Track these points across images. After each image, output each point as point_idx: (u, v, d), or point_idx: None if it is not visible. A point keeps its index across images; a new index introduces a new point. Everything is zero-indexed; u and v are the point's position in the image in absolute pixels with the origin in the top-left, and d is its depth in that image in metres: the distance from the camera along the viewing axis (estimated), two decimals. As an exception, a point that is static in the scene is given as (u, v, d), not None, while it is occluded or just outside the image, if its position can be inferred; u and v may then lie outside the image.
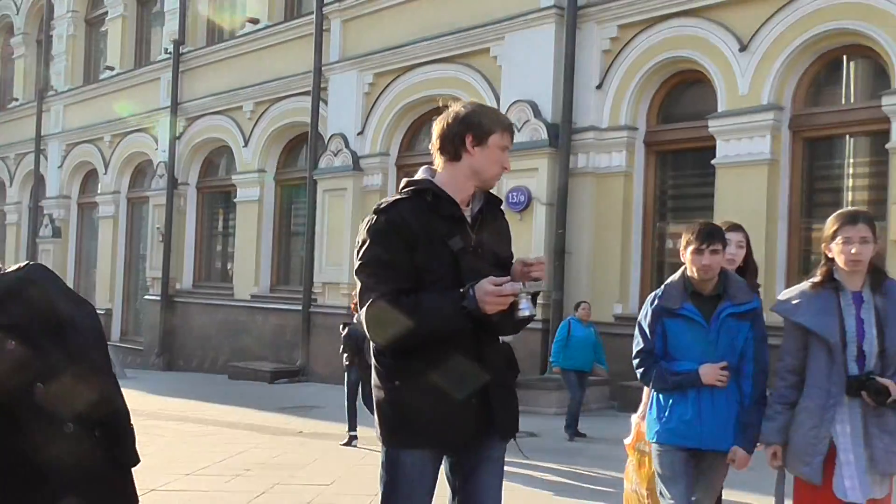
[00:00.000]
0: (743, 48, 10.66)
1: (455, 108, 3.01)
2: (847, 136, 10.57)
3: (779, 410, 3.60)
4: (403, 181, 3.06)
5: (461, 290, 2.79)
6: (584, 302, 10.21)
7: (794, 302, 3.56)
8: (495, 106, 12.67)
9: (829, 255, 3.51)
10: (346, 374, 9.32)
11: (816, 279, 3.55)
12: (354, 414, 9.06)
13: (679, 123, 11.80)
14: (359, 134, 14.96)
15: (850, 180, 10.54)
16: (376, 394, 2.95)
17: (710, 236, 3.70)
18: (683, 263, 3.86)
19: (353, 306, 8.65)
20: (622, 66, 11.90)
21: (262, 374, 15.22)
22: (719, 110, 10.94)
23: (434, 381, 2.83)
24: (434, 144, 3.01)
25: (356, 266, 2.89)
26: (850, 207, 4.00)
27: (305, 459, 8.18)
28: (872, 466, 3.42)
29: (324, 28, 15.59)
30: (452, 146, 2.94)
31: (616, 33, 11.95)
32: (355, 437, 8.98)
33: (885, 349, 3.41)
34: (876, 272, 3.51)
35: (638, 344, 3.92)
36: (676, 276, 3.91)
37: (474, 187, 2.99)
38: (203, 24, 19.12)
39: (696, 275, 3.77)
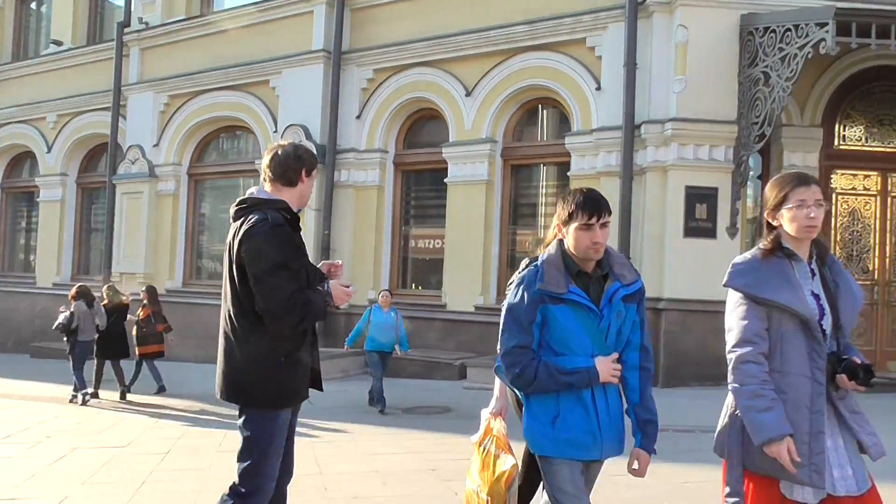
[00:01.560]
0: (468, 94, 11.57)
1: (283, 146, 3.19)
2: (542, 165, 11.72)
3: (774, 398, 2.52)
4: (248, 199, 3.12)
5: (323, 290, 3.10)
6: (385, 290, 9.83)
7: (753, 276, 2.61)
8: (273, 128, 12.86)
9: (775, 224, 2.66)
10: (71, 347, 9.97)
11: (766, 247, 2.66)
12: (81, 377, 9.65)
13: (420, 149, 12.51)
14: (154, 146, 14.56)
15: (544, 198, 11.72)
16: (256, 369, 3.01)
17: (599, 206, 2.69)
18: (558, 238, 2.81)
19: (71, 295, 10.02)
20: (377, 101, 12.46)
21: (62, 353, 14.30)
22: (450, 140, 11.79)
23: (301, 357, 3.09)
24: (268, 174, 3.16)
25: (268, 269, 2.92)
26: (790, 171, 3.24)
27: (103, 426, 7.97)
28: (859, 452, 2.62)
29: (123, 54, 15.02)
30: (291, 175, 3.14)
31: (372, 75, 12.48)
32: (87, 394, 9.58)
33: (842, 326, 2.64)
34: (818, 242, 2.70)
35: (511, 338, 2.73)
36: (551, 253, 2.77)
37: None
38: (9, 40, 17.83)
39: (584, 254, 2.71)
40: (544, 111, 11.68)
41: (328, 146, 12.43)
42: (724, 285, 2.68)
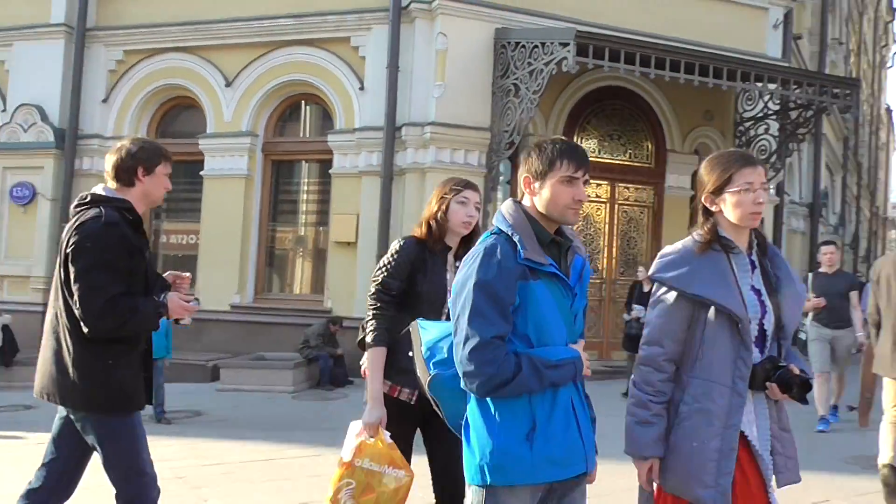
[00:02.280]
0: (228, 84, 11.11)
1: (127, 144, 3.03)
2: (304, 161, 11.60)
3: (659, 413, 2.29)
4: (90, 195, 2.95)
5: (159, 300, 2.95)
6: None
7: (684, 268, 2.29)
8: (2, 106, 11.48)
9: (714, 208, 2.34)
10: None
11: (702, 238, 2.32)
12: None
13: (175, 139, 11.77)
14: None
15: (306, 195, 11.61)
16: (84, 371, 2.83)
17: (586, 158, 2.20)
18: (512, 200, 2.26)
19: None
20: (127, 86, 11.58)
21: None
22: (208, 131, 11.26)
23: (132, 362, 2.94)
24: (109, 174, 2.99)
25: (88, 267, 2.79)
26: (728, 149, 2.82)
27: None
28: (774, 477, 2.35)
29: None
30: (126, 175, 2.97)
31: (122, 56, 11.57)
32: None
33: (784, 326, 2.34)
34: (757, 231, 2.40)
35: (486, 326, 2.04)
36: (515, 216, 2.18)
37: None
38: None
39: (562, 215, 2.18)
40: (308, 107, 11.56)
41: (68, 131, 11.35)
42: (650, 277, 2.40)
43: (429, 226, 2.98)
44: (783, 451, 2.35)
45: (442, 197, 2.99)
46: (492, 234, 2.19)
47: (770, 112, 11.37)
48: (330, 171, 10.75)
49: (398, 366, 2.86)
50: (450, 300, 2.21)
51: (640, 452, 2.33)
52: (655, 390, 2.32)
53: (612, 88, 11.41)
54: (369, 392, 2.89)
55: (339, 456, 2.86)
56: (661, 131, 11.90)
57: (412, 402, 2.87)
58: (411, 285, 2.92)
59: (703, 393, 2.27)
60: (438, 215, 2.97)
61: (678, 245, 2.40)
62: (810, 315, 7.33)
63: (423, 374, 2.30)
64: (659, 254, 2.41)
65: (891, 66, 36.93)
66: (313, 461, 5.78)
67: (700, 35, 10.82)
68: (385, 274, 2.94)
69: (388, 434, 2.82)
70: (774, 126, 11.51)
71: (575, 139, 11.46)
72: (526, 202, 2.23)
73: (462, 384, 2.10)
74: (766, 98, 11.12)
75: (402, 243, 2.99)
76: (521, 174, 2.23)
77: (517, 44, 9.58)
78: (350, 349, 9.79)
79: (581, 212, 2.30)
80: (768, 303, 2.33)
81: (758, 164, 2.34)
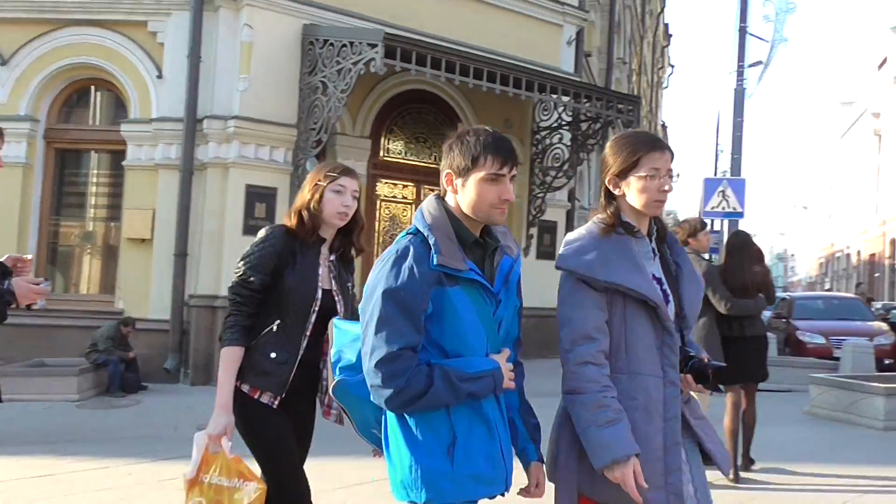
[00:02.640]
0: (4, 63, 10.05)
1: None
2: (93, 151, 10.73)
3: (619, 408, 2.02)
4: None
5: (3, 286, 2.69)
6: None
7: (591, 254, 2.10)
8: None
9: (617, 192, 2.19)
10: None
11: (605, 221, 2.18)
12: None
13: (-63, 120, 10.49)
14: None
15: (95, 187, 10.76)
16: None
17: (512, 152, 2.03)
18: (434, 195, 2.09)
19: None
20: None
21: None
22: (-20, 114, 10.09)
23: None
24: None
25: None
26: (636, 129, 2.58)
27: None
28: (702, 463, 2.24)
29: None
30: None
31: None
32: None
33: (685, 316, 2.22)
34: (657, 218, 2.27)
35: (394, 337, 1.87)
36: (435, 215, 2.01)
37: None
38: None
39: (487, 216, 2.01)
40: (98, 93, 10.70)
41: None
42: (557, 267, 2.15)
43: (300, 216, 2.65)
44: (709, 438, 2.23)
45: (315, 184, 2.67)
46: (407, 233, 1.99)
47: (564, 123, 12.15)
48: (123, 163, 10.06)
49: (258, 368, 2.58)
50: (359, 305, 2.01)
51: (624, 452, 1.97)
52: (603, 386, 2.02)
53: (419, 92, 11.66)
54: (218, 396, 2.57)
55: (183, 473, 2.57)
56: (465, 136, 12.31)
57: (274, 406, 2.59)
58: (277, 280, 2.61)
59: (635, 387, 2.07)
60: (311, 205, 2.65)
61: (582, 230, 2.20)
62: None
63: (329, 379, 2.17)
64: (564, 241, 2.20)
65: (666, 87, 40.82)
66: (101, 474, 5.38)
67: (502, 46, 11.35)
68: (247, 266, 2.61)
69: (230, 445, 2.52)
70: (567, 136, 12.31)
71: (382, 140, 11.59)
72: (449, 200, 2.05)
73: (372, 398, 1.93)
74: (561, 109, 11.87)
75: (269, 232, 2.67)
76: (443, 169, 2.04)
77: (325, 41, 9.52)
78: (145, 352, 9.23)
79: (504, 211, 2.01)
80: (669, 292, 2.18)
81: (667, 149, 2.16)
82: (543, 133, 12.48)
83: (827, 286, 65.99)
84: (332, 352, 2.14)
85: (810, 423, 7.76)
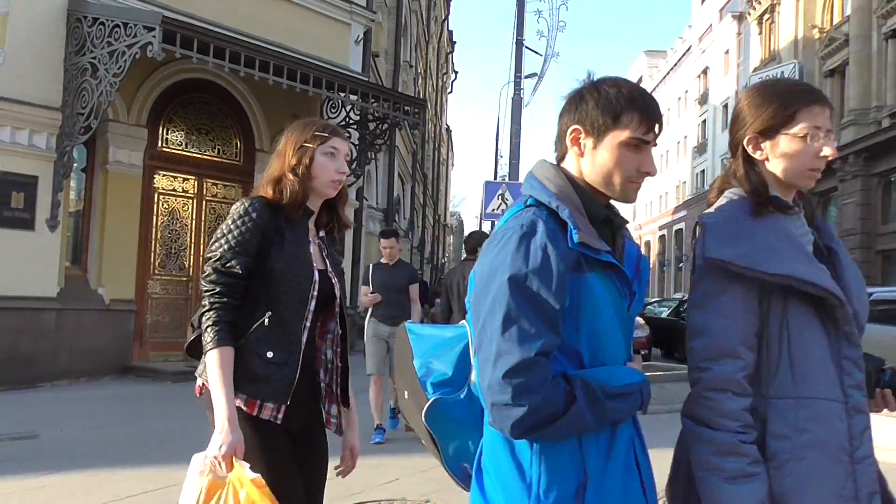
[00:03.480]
0: None
1: None
2: None
3: (757, 458, 1.50)
4: None
5: None
6: None
7: (746, 240, 1.56)
8: None
9: (759, 155, 1.67)
10: None
11: (755, 195, 1.64)
12: None
13: None
14: None
15: None
16: None
17: (661, 117, 1.58)
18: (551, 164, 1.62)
19: None
20: None
21: None
22: None
23: None
24: None
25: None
26: (790, 80, 1.75)
27: None
28: None
29: None
30: None
31: None
32: None
33: (856, 315, 1.61)
34: (802, 193, 1.73)
35: (527, 340, 1.40)
36: (557, 183, 1.56)
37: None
38: None
39: (623, 191, 1.56)
40: None
41: None
42: (707, 258, 1.57)
43: (284, 185, 2.15)
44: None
45: (300, 146, 2.18)
46: (525, 205, 1.55)
47: (352, 122, 12.17)
48: None
49: (252, 373, 2.07)
50: (467, 299, 1.56)
51: None
52: (743, 425, 1.50)
53: (201, 81, 11.14)
54: (220, 409, 1.99)
55: None
56: (250, 129, 11.97)
57: (278, 420, 2.08)
58: (262, 262, 2.10)
59: (806, 417, 1.51)
60: (299, 170, 2.16)
61: (723, 206, 1.66)
62: (369, 311, 6.66)
63: (417, 399, 1.63)
64: (702, 222, 1.64)
65: (451, 92, 42.33)
66: None
67: (290, 40, 11.15)
68: (226, 247, 2.08)
69: (248, 466, 1.96)
70: (355, 135, 12.35)
71: (160, 130, 10.93)
72: (569, 165, 1.59)
73: (489, 420, 1.45)
74: (349, 108, 11.89)
75: (248, 204, 2.13)
76: (568, 124, 1.57)
77: (95, 20, 8.79)
78: None
79: (639, 188, 1.58)
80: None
81: (828, 103, 1.65)
82: (332, 131, 12.40)
83: (592, 284, 71.63)
84: (416, 364, 1.63)
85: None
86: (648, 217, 58.00)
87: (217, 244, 2.11)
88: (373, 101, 11.37)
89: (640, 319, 15.16)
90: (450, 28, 38.71)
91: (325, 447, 2.29)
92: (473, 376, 1.51)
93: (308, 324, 2.15)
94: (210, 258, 2.11)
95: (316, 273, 2.18)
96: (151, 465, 5.14)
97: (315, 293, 2.16)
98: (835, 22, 28.09)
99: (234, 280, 2.08)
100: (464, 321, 1.62)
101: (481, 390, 1.43)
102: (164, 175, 11.06)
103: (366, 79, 12.81)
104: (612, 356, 1.52)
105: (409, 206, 24.37)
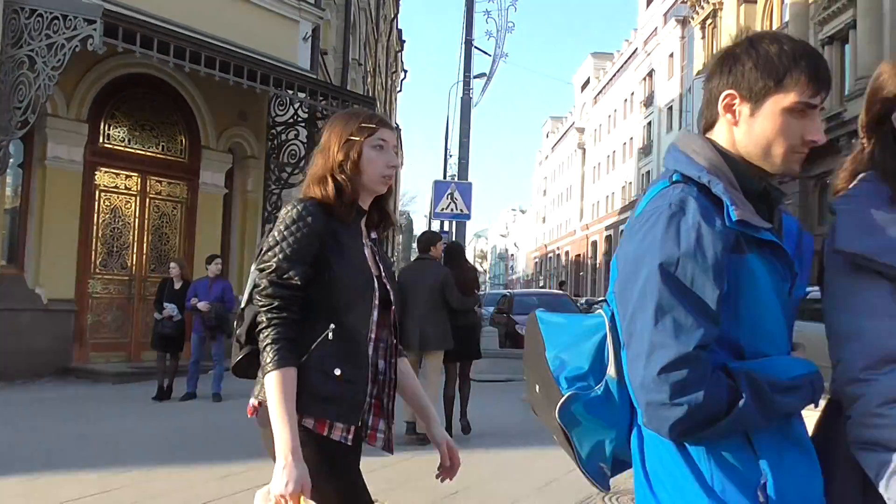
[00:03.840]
0: None
1: None
2: None
3: None
4: None
5: None
6: None
7: (886, 231, 1.35)
8: None
9: None
10: None
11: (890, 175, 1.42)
12: None
13: None
14: None
15: None
16: None
17: (830, 79, 1.40)
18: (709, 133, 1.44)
19: None
20: None
21: None
22: None
23: None
24: None
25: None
26: None
27: None
28: None
29: None
30: None
31: None
32: None
33: None
34: None
35: (683, 332, 1.25)
36: (706, 155, 1.39)
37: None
38: None
39: (785, 163, 1.39)
40: None
41: None
42: (840, 250, 1.39)
43: (336, 183, 1.99)
44: None
45: (347, 140, 2.02)
46: (670, 182, 1.37)
47: (300, 119, 12.08)
48: None
49: (319, 392, 1.88)
50: (613, 290, 1.41)
51: None
52: None
53: (145, 76, 10.90)
54: (282, 441, 1.79)
55: None
56: (196, 126, 11.76)
57: (348, 442, 1.91)
58: (321, 271, 1.93)
59: None
60: (348, 166, 2.00)
61: (855, 191, 1.46)
62: None
63: (549, 393, 1.47)
64: (834, 209, 1.47)
65: (400, 91, 42.28)
66: None
67: (236, 36, 10.99)
68: (281, 257, 1.91)
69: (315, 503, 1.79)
70: (304, 133, 12.26)
71: (102, 126, 10.68)
72: (719, 135, 1.42)
73: (643, 421, 1.31)
74: (297, 106, 11.79)
75: (301, 208, 1.94)
76: (720, 88, 1.39)
77: (33, 11, 8.54)
78: None
79: (804, 157, 1.40)
80: None
81: None
82: (280, 128, 12.30)
83: (541, 283, 72.63)
84: (549, 356, 1.48)
85: (526, 408, 8.48)
86: (595, 217, 58.85)
87: (271, 253, 1.93)
88: (321, 98, 11.29)
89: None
90: (399, 27, 38.64)
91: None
92: (611, 370, 1.39)
93: (373, 335, 1.98)
94: (264, 269, 1.92)
95: (375, 280, 2.01)
96: (93, 469, 5.02)
97: (376, 302, 1.99)
98: (774, 28, 28.94)
99: (292, 292, 1.90)
100: (599, 309, 1.47)
101: (633, 388, 1.31)
102: (105, 172, 10.78)
103: (314, 76, 12.71)
104: (774, 345, 1.36)
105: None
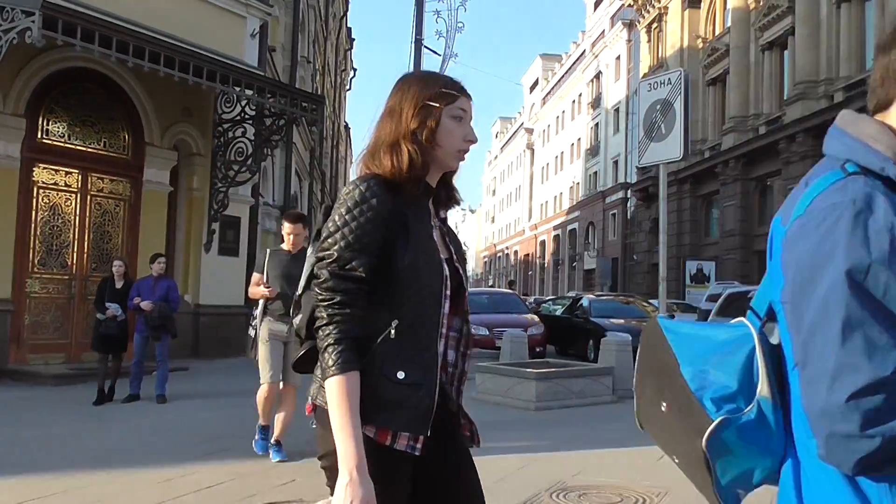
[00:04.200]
0: None
1: None
2: None
3: None
4: None
5: None
6: None
7: None
8: None
9: None
10: None
11: None
12: None
13: None
14: None
15: None
16: None
17: None
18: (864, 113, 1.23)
19: None
20: None
21: None
22: None
23: None
24: None
25: None
26: None
27: None
28: None
29: None
30: None
31: None
32: None
33: None
34: None
35: (877, 354, 1.03)
36: (886, 140, 1.14)
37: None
38: None
39: None
40: None
41: None
42: None
43: (399, 155, 1.71)
44: None
45: (425, 105, 1.74)
46: (844, 173, 1.16)
47: (247, 116, 11.92)
48: None
49: (382, 397, 1.66)
50: (781, 297, 1.19)
51: None
52: None
53: (86, 70, 10.62)
54: (346, 454, 1.58)
55: None
56: (140, 123, 11.50)
57: (416, 452, 1.68)
58: (386, 259, 1.68)
59: None
60: (422, 135, 1.73)
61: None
62: (260, 305, 5.62)
63: (683, 415, 1.30)
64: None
65: (349, 89, 42.02)
66: None
67: (182, 31, 10.78)
68: (342, 245, 1.66)
69: None
70: (251, 130, 12.09)
71: (40, 121, 10.37)
72: (894, 118, 1.20)
73: (819, 452, 1.11)
74: (244, 103, 11.62)
75: (364, 188, 1.68)
76: (888, 66, 1.19)
77: (-33, 2, 8.23)
78: None
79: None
80: None
81: None
82: (226, 125, 12.11)
83: (490, 283, 73.03)
84: (687, 373, 1.29)
85: (476, 407, 8.52)
86: (543, 217, 59.41)
87: (331, 240, 1.68)
88: (269, 96, 11.16)
89: (535, 317, 15.52)
90: (349, 25, 38.41)
91: (466, 450, 1.91)
92: (764, 389, 1.21)
93: (444, 330, 1.74)
94: (324, 259, 1.68)
95: (446, 267, 1.75)
96: (30, 475, 4.87)
97: (448, 292, 1.73)
98: (717, 33, 29.61)
99: (356, 285, 1.66)
100: (742, 318, 1.30)
101: (810, 416, 1.10)
102: (44, 168, 10.47)
103: (262, 73, 12.56)
104: None
105: (307, 203, 24.05)
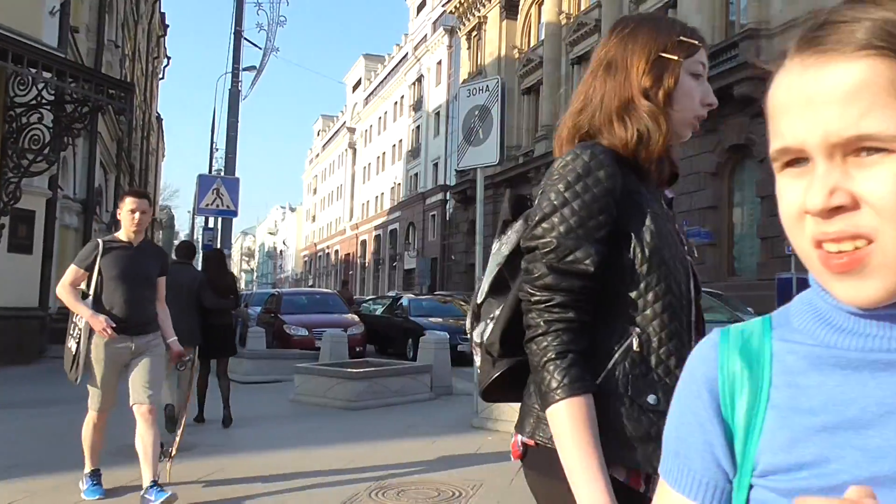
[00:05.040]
0: None
1: None
2: None
3: None
4: None
5: None
6: None
7: None
8: None
9: None
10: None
11: None
12: None
13: None
14: None
15: None
16: None
17: None
18: None
19: None
20: None
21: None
22: None
23: None
24: None
25: None
26: None
27: None
28: None
29: None
30: None
31: None
32: None
33: None
34: None
35: None
36: None
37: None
38: None
39: None
40: None
41: None
42: None
43: (631, 119, 1.34)
44: None
45: (660, 57, 1.36)
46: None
47: (45, 101, 10.96)
48: None
49: (623, 428, 1.26)
50: None
51: None
52: None
53: None
54: (591, 499, 1.17)
55: None
56: (-86, 103, 10.23)
57: None
58: (618, 249, 1.31)
59: None
60: (659, 95, 1.35)
61: None
62: (84, 310, 4.31)
63: None
64: None
65: (163, 78, 39.87)
66: None
67: (-33, 3, 9.72)
68: (562, 230, 1.27)
69: None
70: (49, 117, 11.15)
71: None
72: None
73: None
74: (41, 86, 10.68)
75: (588, 157, 1.30)
76: None
77: None
78: None
79: None
80: None
81: None
82: (20, 110, 11.06)
83: (310, 282, 72.11)
84: None
85: (295, 408, 8.38)
86: (365, 217, 59.57)
87: (546, 224, 1.29)
88: (71, 80, 10.36)
89: (355, 317, 15.55)
90: (162, 10, 36.39)
91: None
92: None
93: (694, 338, 1.34)
94: (537, 248, 1.29)
95: (686, 258, 1.39)
96: None
97: (693, 294, 1.37)
98: (531, 45, 31.15)
99: (582, 283, 1.27)
100: None
101: None
102: None
103: (62, 55, 11.60)
104: None
105: (113, 197, 22.52)
